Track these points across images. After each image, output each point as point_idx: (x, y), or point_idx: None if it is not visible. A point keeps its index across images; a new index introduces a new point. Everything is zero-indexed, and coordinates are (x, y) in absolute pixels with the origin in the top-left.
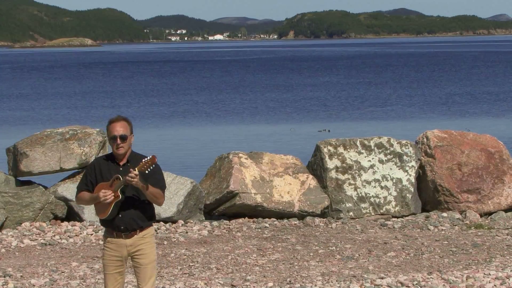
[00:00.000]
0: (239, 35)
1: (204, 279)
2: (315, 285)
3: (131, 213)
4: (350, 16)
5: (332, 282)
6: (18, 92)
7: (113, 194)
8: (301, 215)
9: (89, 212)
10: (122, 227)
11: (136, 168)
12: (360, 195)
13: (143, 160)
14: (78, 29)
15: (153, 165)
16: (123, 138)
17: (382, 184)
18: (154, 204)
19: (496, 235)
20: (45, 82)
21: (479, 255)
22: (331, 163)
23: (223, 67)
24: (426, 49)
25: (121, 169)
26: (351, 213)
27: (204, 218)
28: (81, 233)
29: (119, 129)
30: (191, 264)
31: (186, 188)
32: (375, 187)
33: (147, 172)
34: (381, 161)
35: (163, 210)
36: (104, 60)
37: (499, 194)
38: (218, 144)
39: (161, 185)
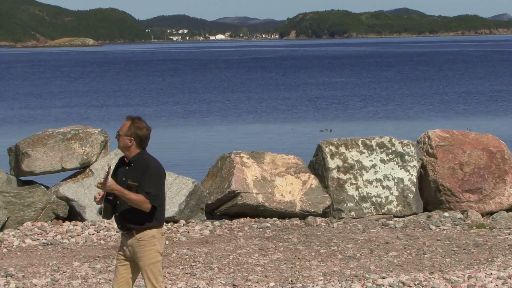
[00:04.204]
0: (241, 35)
1: (206, 279)
2: (317, 285)
3: (124, 213)
4: (351, 15)
5: (333, 282)
6: (29, 90)
7: (100, 197)
8: (302, 215)
9: (90, 212)
10: (120, 226)
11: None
12: (361, 194)
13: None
14: (80, 29)
15: (109, 175)
16: (116, 135)
17: (384, 183)
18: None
19: (498, 235)
20: (56, 81)
21: (480, 254)
22: (332, 163)
23: (236, 66)
24: (428, 48)
25: (126, 167)
26: (352, 213)
27: (205, 218)
28: (82, 233)
29: (120, 127)
30: (192, 264)
31: (188, 188)
32: (376, 186)
33: (106, 181)
34: (382, 161)
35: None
36: (111, 60)
37: (500, 194)
38: (220, 143)
39: (147, 191)
